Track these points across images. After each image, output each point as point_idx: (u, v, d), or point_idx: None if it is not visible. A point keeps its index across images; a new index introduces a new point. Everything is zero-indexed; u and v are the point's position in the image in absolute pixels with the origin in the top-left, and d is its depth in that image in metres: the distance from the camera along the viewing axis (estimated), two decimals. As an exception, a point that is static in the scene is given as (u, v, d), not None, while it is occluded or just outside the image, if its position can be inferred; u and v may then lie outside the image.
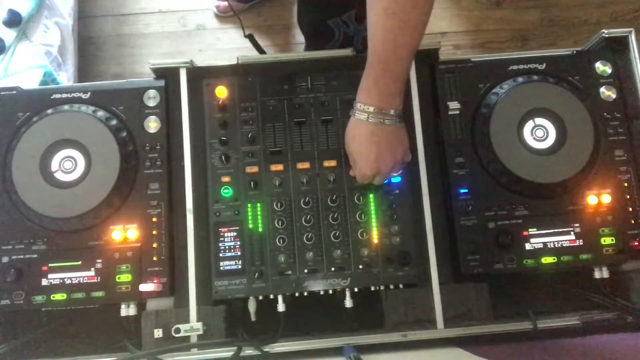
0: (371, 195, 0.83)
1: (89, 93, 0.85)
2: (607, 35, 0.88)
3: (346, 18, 1.10)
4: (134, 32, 1.70)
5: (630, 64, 0.87)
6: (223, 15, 1.71)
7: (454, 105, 0.85)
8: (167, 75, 0.86)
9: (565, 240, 0.81)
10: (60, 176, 0.80)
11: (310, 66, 0.88)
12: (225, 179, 0.83)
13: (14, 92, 0.85)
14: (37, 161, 0.80)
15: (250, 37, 1.16)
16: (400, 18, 0.66)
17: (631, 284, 0.83)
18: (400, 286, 0.81)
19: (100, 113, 0.83)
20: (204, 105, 0.86)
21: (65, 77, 1.37)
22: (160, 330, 0.77)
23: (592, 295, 0.83)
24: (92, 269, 0.78)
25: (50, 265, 0.78)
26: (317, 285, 0.80)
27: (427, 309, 0.79)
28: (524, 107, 0.83)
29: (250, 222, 0.82)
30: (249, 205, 0.82)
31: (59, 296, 0.78)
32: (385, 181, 0.81)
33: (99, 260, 0.79)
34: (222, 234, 0.81)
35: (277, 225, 0.81)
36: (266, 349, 0.77)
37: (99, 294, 0.78)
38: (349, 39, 1.14)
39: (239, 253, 0.81)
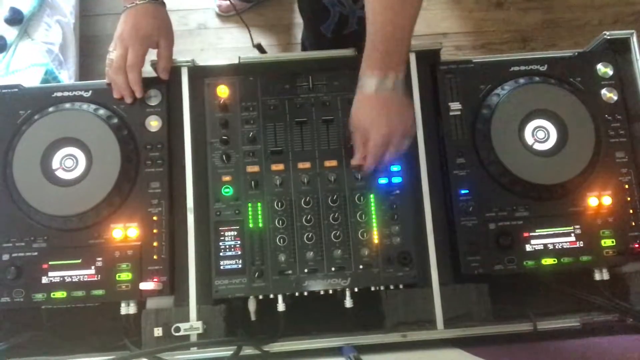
0: (372, 196, 0.83)
1: (90, 91, 0.85)
2: (608, 37, 0.88)
3: None
4: (135, 31, 1.70)
5: (631, 65, 0.87)
6: (225, 15, 1.71)
7: (455, 106, 0.85)
8: (170, 73, 0.86)
9: (566, 242, 0.81)
10: (61, 174, 0.80)
11: (311, 66, 0.88)
12: (226, 178, 0.83)
13: (16, 90, 0.85)
14: (38, 159, 0.80)
15: (259, 47, 1.16)
16: None
17: (631, 285, 0.83)
18: (401, 286, 0.81)
19: (102, 111, 0.83)
20: (205, 105, 0.86)
21: (67, 76, 1.37)
22: (160, 328, 0.77)
23: (592, 297, 0.83)
24: (93, 267, 0.78)
25: (50, 263, 0.78)
26: (317, 285, 0.80)
27: (427, 309, 0.79)
28: (525, 109, 0.83)
29: (250, 221, 0.82)
30: (249, 204, 0.82)
31: (59, 294, 0.78)
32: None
33: (100, 259, 0.79)
34: (222, 233, 0.81)
35: (277, 224, 0.81)
36: (266, 348, 0.76)
37: (99, 292, 0.78)
38: (344, 19, 1.14)
39: (239, 252, 0.81)
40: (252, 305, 0.80)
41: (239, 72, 0.87)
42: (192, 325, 0.77)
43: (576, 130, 0.82)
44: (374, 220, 0.82)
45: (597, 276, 0.82)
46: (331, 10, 1.13)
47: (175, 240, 0.82)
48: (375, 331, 0.79)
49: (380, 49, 0.72)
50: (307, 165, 0.84)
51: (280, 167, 0.84)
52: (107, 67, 0.83)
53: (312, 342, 0.77)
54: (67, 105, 0.83)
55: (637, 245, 0.81)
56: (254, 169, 0.84)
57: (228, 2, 1.68)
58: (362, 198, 0.82)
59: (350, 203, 0.82)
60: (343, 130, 0.84)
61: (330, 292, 0.81)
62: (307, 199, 0.82)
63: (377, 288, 0.81)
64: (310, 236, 0.81)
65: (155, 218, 0.80)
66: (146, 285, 0.77)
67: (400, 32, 0.72)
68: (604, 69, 0.87)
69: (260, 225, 0.82)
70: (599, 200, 0.82)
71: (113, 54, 0.82)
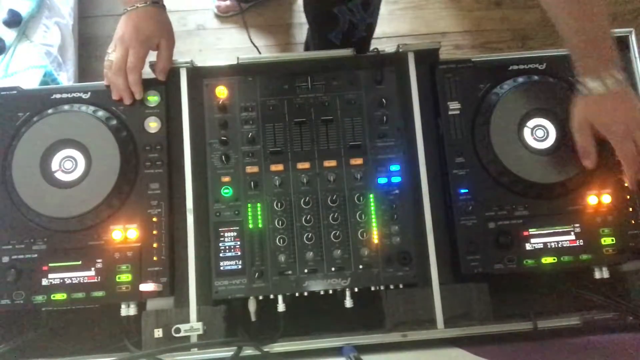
0: (371, 195, 0.83)
1: (89, 93, 0.85)
2: (607, 36, 0.88)
3: (352, 6, 1.10)
4: (134, 32, 1.69)
5: (630, 64, 0.87)
6: (223, 15, 1.71)
7: (454, 105, 0.85)
8: (167, 75, 0.86)
9: (566, 241, 0.81)
10: (60, 176, 0.80)
11: (310, 66, 0.88)
12: (226, 179, 0.83)
13: (14, 92, 0.85)
14: (38, 161, 0.79)
15: None
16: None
17: (631, 284, 0.83)
18: (400, 286, 0.81)
19: (101, 113, 0.83)
20: (204, 105, 0.86)
21: (66, 77, 1.37)
22: (161, 330, 0.77)
23: (592, 295, 0.83)
24: (92, 268, 0.78)
25: (50, 265, 0.78)
26: (317, 285, 0.80)
27: (427, 309, 0.79)
28: (524, 107, 0.83)
29: (250, 222, 0.82)
30: (249, 205, 0.82)
31: (59, 296, 0.78)
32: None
33: (99, 260, 0.79)
34: (222, 233, 0.81)
35: (277, 225, 0.81)
36: (266, 349, 0.76)
37: (99, 293, 0.78)
38: (353, 27, 1.14)
39: (239, 253, 0.81)
40: (252, 306, 0.80)
41: (237, 72, 0.87)
42: (192, 326, 0.77)
43: (575, 129, 0.82)
44: (373, 220, 0.82)
45: (597, 274, 0.81)
46: (341, 18, 1.12)
47: (175, 242, 0.82)
48: (375, 331, 0.79)
49: (591, 48, 0.75)
50: (306, 165, 0.84)
51: (280, 167, 0.84)
52: (106, 68, 0.83)
53: (312, 342, 0.77)
54: (66, 107, 0.83)
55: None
56: (254, 169, 0.84)
57: (226, 3, 1.68)
58: (361, 198, 0.82)
59: (350, 203, 0.82)
60: (342, 131, 0.85)
61: (330, 292, 0.81)
62: (307, 199, 0.82)
63: (377, 288, 0.81)
64: (309, 236, 0.81)
65: (154, 219, 0.80)
66: (146, 287, 0.77)
67: (602, 33, 0.74)
68: (603, 68, 0.87)
69: (260, 225, 0.82)
70: (598, 198, 0.82)
71: (112, 55, 0.82)
